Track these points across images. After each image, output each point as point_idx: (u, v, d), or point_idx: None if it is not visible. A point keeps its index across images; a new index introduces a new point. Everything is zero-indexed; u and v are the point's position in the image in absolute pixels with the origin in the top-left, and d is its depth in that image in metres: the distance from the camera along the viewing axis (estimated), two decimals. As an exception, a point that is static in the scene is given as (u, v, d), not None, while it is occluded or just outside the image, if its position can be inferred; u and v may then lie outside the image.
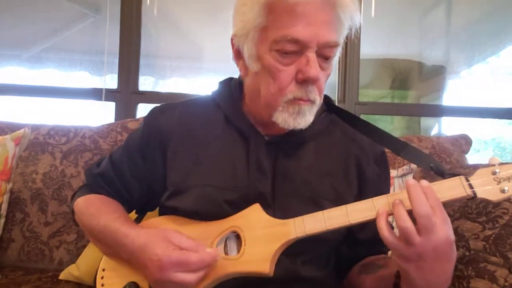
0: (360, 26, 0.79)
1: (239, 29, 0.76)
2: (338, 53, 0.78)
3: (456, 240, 0.94)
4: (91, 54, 2.35)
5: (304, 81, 0.73)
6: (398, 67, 2.57)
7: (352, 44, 1.96)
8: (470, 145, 1.53)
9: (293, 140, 0.82)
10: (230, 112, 0.85)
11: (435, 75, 2.50)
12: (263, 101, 0.77)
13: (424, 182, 0.62)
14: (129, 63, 1.94)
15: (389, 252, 0.88)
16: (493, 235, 0.89)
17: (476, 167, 0.73)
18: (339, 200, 0.78)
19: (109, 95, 1.93)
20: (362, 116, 1.98)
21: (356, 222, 0.67)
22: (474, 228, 0.94)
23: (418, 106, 2.46)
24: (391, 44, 2.42)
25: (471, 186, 0.63)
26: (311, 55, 0.71)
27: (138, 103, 1.96)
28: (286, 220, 0.72)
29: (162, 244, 0.70)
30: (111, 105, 1.95)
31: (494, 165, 0.64)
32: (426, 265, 0.60)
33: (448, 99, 2.42)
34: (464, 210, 0.98)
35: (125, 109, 1.93)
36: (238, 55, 0.80)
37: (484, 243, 0.90)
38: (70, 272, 1.27)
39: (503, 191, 0.62)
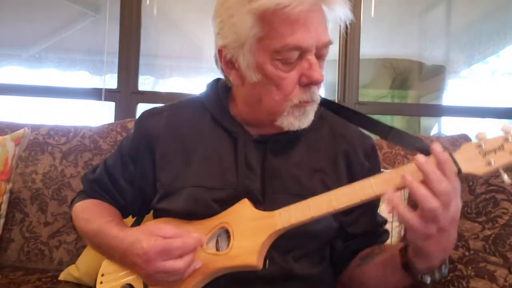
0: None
1: (231, 40, 0.75)
2: None
3: (455, 240, 0.95)
4: (91, 53, 2.35)
5: (308, 84, 0.74)
6: (398, 67, 2.57)
7: (352, 44, 1.96)
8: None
9: (281, 137, 0.82)
10: (217, 114, 0.85)
11: (435, 75, 2.50)
12: (266, 108, 0.77)
13: (431, 157, 0.61)
14: (128, 62, 1.94)
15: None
16: (493, 235, 0.89)
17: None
18: None
19: (109, 95, 1.93)
20: (362, 116, 1.98)
21: (340, 207, 0.67)
22: (473, 228, 0.94)
23: (418, 106, 2.46)
24: (391, 44, 2.42)
25: (455, 162, 0.62)
26: (312, 58, 0.72)
27: (138, 103, 1.96)
28: (272, 212, 0.73)
29: (147, 238, 0.71)
30: (111, 105, 1.95)
31: (480, 139, 0.63)
32: (444, 236, 0.62)
33: (447, 99, 2.42)
34: (464, 210, 0.98)
35: (125, 109, 1.93)
36: (229, 65, 0.79)
37: (483, 243, 0.90)
38: (69, 273, 1.27)
39: (489, 163, 0.61)
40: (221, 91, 0.87)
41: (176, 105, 0.92)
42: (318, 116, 0.85)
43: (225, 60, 0.78)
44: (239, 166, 0.80)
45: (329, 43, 0.74)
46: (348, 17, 0.76)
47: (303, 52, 0.71)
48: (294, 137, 0.83)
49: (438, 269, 0.67)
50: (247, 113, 0.83)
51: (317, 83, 0.74)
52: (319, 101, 0.79)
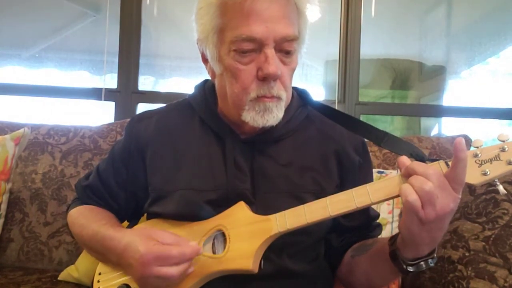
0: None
1: (200, 32, 0.77)
2: (303, 46, 0.78)
3: (455, 240, 0.95)
4: (91, 53, 2.35)
5: (265, 78, 0.73)
6: (398, 67, 2.56)
7: (352, 44, 1.96)
8: (470, 145, 1.52)
9: (269, 138, 0.82)
10: (205, 115, 0.86)
11: (435, 75, 2.49)
12: (230, 101, 0.78)
13: (419, 167, 0.62)
14: (129, 62, 1.94)
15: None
16: (493, 236, 0.89)
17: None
18: (321, 192, 0.79)
19: (109, 94, 1.93)
20: (362, 116, 1.98)
21: (336, 214, 0.68)
22: (474, 229, 0.93)
23: (418, 106, 2.45)
24: (391, 44, 2.41)
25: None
26: (269, 51, 0.71)
27: (138, 102, 1.96)
28: (268, 216, 0.73)
29: (144, 242, 0.71)
30: (111, 105, 1.95)
31: (477, 147, 0.63)
32: (439, 224, 0.62)
33: (448, 99, 2.42)
34: (464, 210, 0.98)
35: (125, 109, 1.93)
36: (204, 58, 0.81)
37: (484, 243, 0.90)
38: (69, 273, 1.27)
39: (484, 173, 0.61)
40: (208, 91, 0.87)
41: (165, 108, 0.93)
42: (305, 116, 0.86)
43: (200, 53, 0.81)
44: (228, 167, 0.80)
45: (290, 37, 0.72)
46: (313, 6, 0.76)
47: (260, 45, 0.71)
48: (280, 137, 0.83)
49: (424, 261, 0.67)
50: (224, 108, 0.83)
51: (271, 77, 0.72)
52: (284, 99, 0.77)
